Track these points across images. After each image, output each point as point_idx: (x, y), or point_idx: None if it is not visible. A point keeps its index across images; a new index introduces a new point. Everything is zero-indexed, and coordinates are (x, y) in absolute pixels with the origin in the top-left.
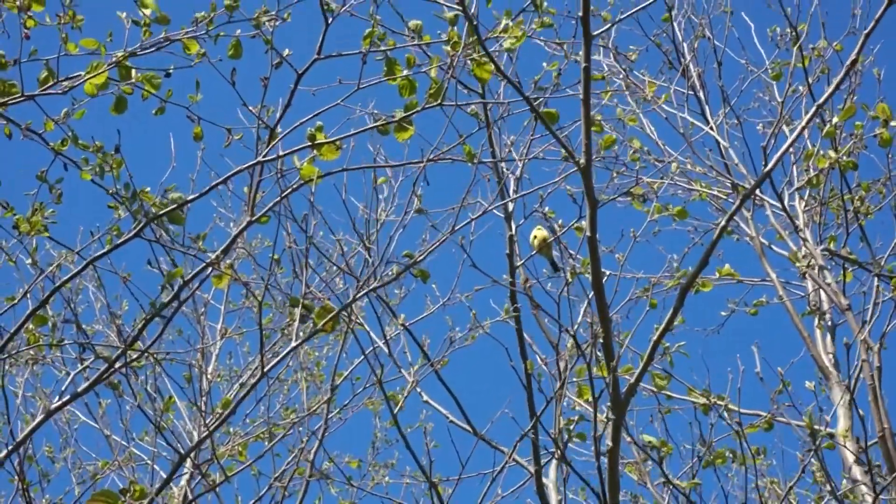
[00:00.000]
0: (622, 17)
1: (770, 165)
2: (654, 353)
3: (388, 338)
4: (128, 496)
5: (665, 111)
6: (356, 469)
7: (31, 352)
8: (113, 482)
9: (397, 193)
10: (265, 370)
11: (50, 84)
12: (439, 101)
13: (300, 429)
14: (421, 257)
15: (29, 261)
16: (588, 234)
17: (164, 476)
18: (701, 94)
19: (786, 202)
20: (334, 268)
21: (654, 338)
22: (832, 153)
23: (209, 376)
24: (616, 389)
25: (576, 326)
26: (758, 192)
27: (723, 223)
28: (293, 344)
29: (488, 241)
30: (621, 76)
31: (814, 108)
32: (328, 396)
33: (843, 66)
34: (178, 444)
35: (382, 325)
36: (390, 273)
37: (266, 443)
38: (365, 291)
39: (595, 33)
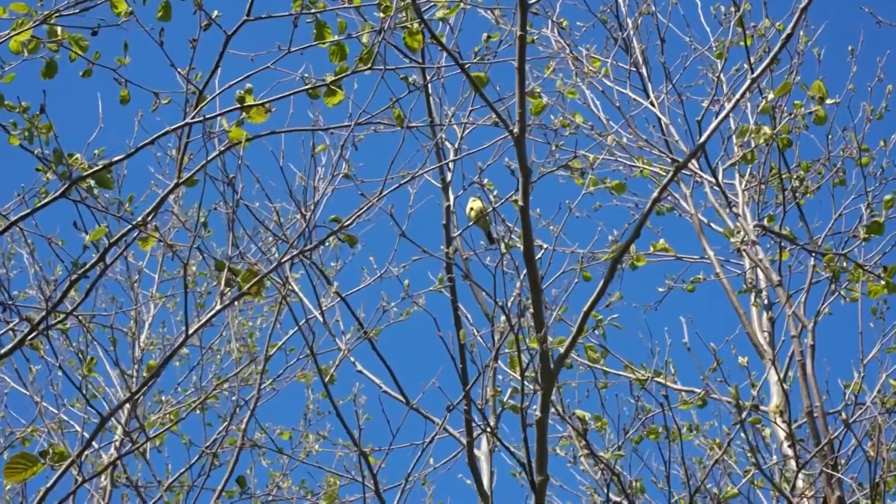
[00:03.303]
0: None
1: (703, 137)
2: (585, 323)
3: (322, 307)
4: (47, 458)
5: (607, 86)
6: (287, 441)
7: None
8: (41, 448)
9: (336, 163)
10: (189, 333)
11: None
12: (370, 66)
13: (233, 398)
14: (347, 221)
15: None
16: (521, 203)
17: (96, 444)
18: (643, 71)
19: (723, 178)
20: (271, 236)
21: (585, 308)
22: (767, 129)
23: (142, 344)
24: (546, 360)
25: (510, 299)
26: (696, 168)
27: (655, 194)
28: (217, 307)
29: (427, 211)
30: (566, 52)
31: (749, 80)
32: (262, 367)
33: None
34: (104, 409)
35: (318, 294)
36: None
37: (198, 411)
38: (294, 254)
39: (531, 1)
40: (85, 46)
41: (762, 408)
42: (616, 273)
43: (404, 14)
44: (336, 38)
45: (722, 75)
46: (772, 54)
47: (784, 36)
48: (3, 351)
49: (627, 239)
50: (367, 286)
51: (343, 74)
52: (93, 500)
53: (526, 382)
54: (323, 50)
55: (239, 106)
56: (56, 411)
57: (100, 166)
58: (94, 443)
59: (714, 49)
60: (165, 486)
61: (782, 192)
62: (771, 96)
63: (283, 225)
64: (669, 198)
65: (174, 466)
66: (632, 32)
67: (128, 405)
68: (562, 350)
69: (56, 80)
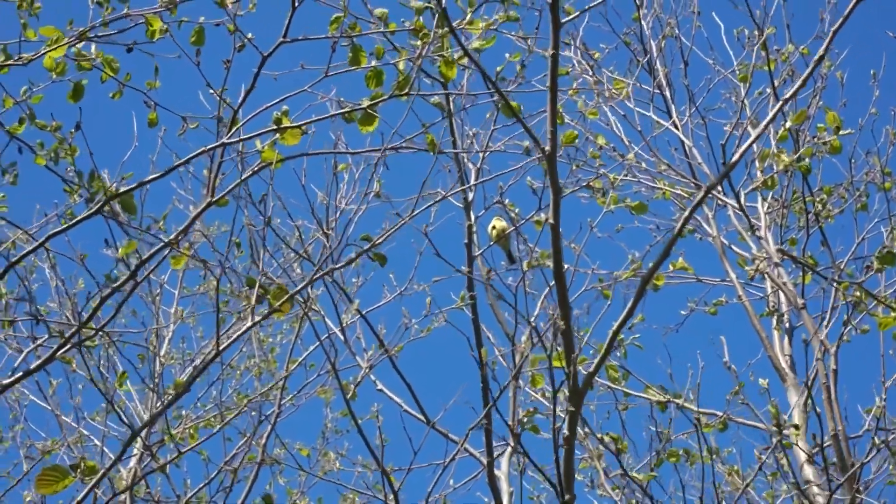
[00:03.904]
0: (592, 5)
1: (734, 159)
2: (613, 343)
3: (343, 324)
4: (78, 472)
5: (630, 109)
6: (306, 457)
7: None
8: (62, 461)
9: (358, 181)
10: (220, 350)
11: (8, 59)
12: (406, 92)
13: (252, 413)
14: (379, 240)
15: None
16: (551, 221)
17: (113, 456)
18: (667, 93)
19: (745, 202)
20: (292, 254)
21: (614, 327)
22: (784, 156)
23: (162, 359)
24: (575, 380)
25: (533, 317)
26: (719, 191)
27: (686, 215)
28: (248, 324)
29: (447, 231)
30: (588, 73)
31: (779, 104)
32: (282, 381)
33: (807, 66)
34: (130, 423)
35: (339, 311)
36: (351, 257)
37: (217, 427)
38: (321, 273)
39: (564, 21)
40: (116, 68)
41: (793, 424)
42: (644, 294)
43: (440, 42)
44: (373, 63)
45: (746, 99)
46: (802, 78)
47: (816, 58)
48: (35, 364)
49: (658, 259)
50: (388, 303)
51: (379, 100)
52: None
53: (547, 401)
54: (352, 74)
55: (275, 127)
56: (76, 425)
57: (134, 185)
58: (112, 458)
59: (737, 72)
60: (184, 502)
61: (805, 216)
62: (788, 124)
63: (304, 242)
64: (692, 220)
65: (193, 481)
66: (655, 55)
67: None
68: (589, 370)
69: (83, 101)
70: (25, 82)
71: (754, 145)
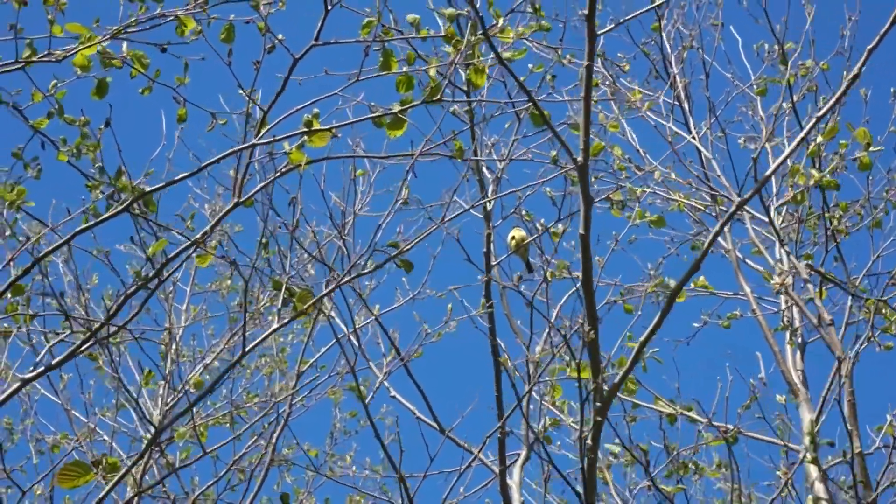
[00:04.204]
0: (627, 18)
1: (767, 173)
2: (640, 355)
3: (357, 328)
4: (99, 469)
5: (650, 120)
6: (314, 458)
7: (5, 324)
8: (71, 457)
9: (373, 186)
10: (245, 350)
11: (43, 54)
12: (439, 99)
13: (262, 414)
14: (408, 247)
15: (8, 233)
16: (581, 231)
17: (122, 452)
18: (685, 105)
19: (774, 217)
20: (305, 255)
21: (641, 340)
22: (815, 172)
23: (172, 356)
24: (601, 390)
25: (553, 327)
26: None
27: (716, 229)
28: (275, 325)
29: (463, 239)
30: (608, 83)
31: (814, 121)
32: (294, 381)
33: (829, 84)
34: (144, 421)
35: (352, 315)
36: (368, 264)
37: (228, 426)
38: (350, 279)
39: (599, 32)
40: (146, 64)
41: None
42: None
43: (470, 50)
44: (405, 69)
45: (762, 112)
46: (836, 96)
47: (851, 76)
48: (58, 359)
49: (687, 272)
50: (400, 307)
51: (410, 105)
52: None
53: (559, 412)
54: (379, 79)
55: (307, 130)
56: (85, 419)
57: (163, 184)
58: (122, 454)
59: (755, 86)
60: (192, 500)
61: (825, 232)
62: (819, 139)
63: (319, 245)
64: (705, 233)
65: (201, 479)
66: (674, 66)
67: (160, 418)
68: (615, 381)
69: (107, 98)
70: (44, 78)
71: (769, 159)
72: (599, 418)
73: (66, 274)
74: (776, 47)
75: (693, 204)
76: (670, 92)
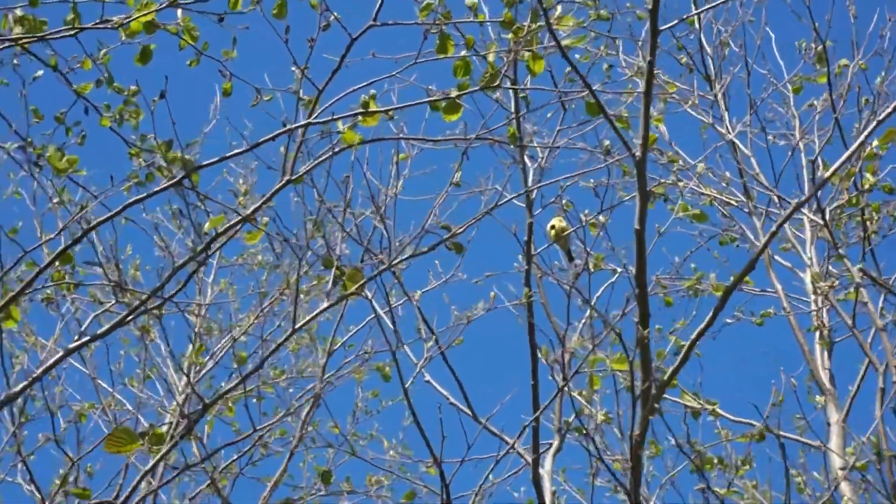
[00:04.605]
0: (692, 14)
1: (826, 176)
2: (690, 352)
3: (392, 310)
4: (146, 439)
5: (692, 115)
6: (336, 436)
7: (48, 291)
8: (97, 425)
9: (410, 168)
10: (296, 328)
11: (98, 21)
12: (497, 85)
13: (290, 390)
14: (460, 229)
15: (56, 200)
16: (637, 226)
17: (145, 422)
18: (722, 102)
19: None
20: (340, 235)
21: (692, 337)
22: (870, 176)
23: (197, 329)
24: (649, 387)
25: (604, 321)
26: (776, 199)
27: (773, 230)
28: (325, 304)
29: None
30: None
31: (874, 124)
32: (325, 360)
33: (868, 85)
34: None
35: (388, 297)
36: (407, 248)
37: (255, 400)
38: (402, 259)
39: (662, 28)
40: (196, 36)
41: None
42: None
43: (529, 37)
44: (463, 53)
45: (795, 110)
46: None
47: None
48: (104, 329)
49: (743, 270)
50: (433, 289)
51: (467, 91)
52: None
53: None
54: (430, 63)
55: (363, 111)
56: (110, 388)
57: (217, 159)
58: (144, 422)
59: (789, 85)
60: (221, 468)
61: (864, 234)
62: (875, 143)
63: (357, 225)
64: (737, 228)
65: (224, 453)
66: (710, 62)
67: (186, 390)
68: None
69: (151, 68)
70: (87, 46)
71: (802, 156)
72: (644, 416)
73: (99, 244)
74: (812, 45)
75: (724, 199)
76: (703, 87)
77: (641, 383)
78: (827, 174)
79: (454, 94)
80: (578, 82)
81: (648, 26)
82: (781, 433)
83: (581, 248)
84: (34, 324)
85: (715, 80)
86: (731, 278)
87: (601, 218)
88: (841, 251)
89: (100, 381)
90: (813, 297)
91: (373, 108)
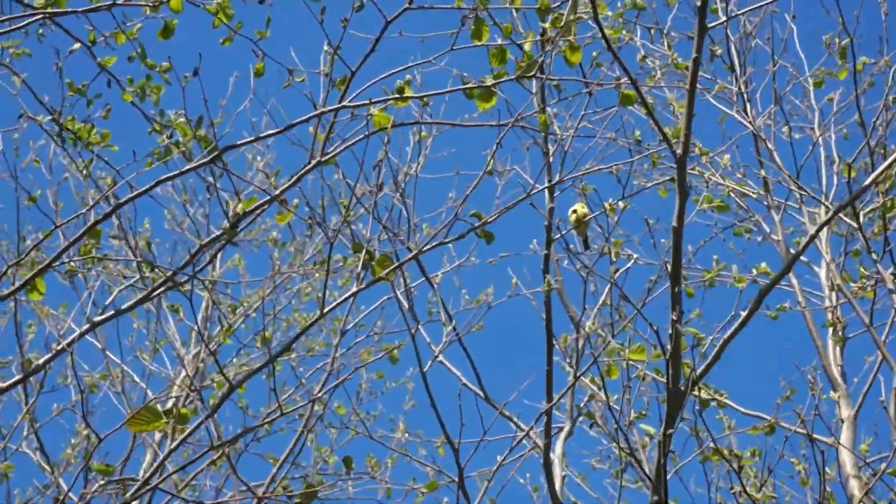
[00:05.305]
0: (741, 12)
1: (866, 183)
2: (723, 350)
3: (409, 290)
4: (171, 418)
5: (711, 105)
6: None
7: (74, 263)
8: (106, 395)
9: (430, 150)
10: (324, 312)
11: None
12: (532, 74)
13: (300, 368)
14: (492, 218)
15: (84, 173)
16: (675, 223)
17: (152, 394)
18: (745, 93)
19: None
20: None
21: (726, 336)
22: None
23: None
24: (676, 381)
25: (639, 313)
26: (798, 195)
27: (812, 233)
28: (353, 290)
29: (520, 209)
30: (664, 65)
31: None
32: (337, 340)
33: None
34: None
35: (406, 281)
36: (427, 233)
37: (265, 377)
38: (432, 246)
39: (710, 25)
40: (231, 15)
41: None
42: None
43: (567, 27)
44: (498, 40)
45: (815, 103)
46: None
47: None
48: (130, 302)
49: (779, 273)
50: (446, 273)
51: (502, 79)
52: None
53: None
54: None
55: (398, 96)
56: (119, 361)
57: (249, 139)
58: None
59: (810, 79)
60: (230, 441)
61: (884, 234)
62: None
63: (376, 209)
64: (752, 221)
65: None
66: (735, 54)
67: (195, 363)
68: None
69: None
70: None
71: (821, 152)
72: (671, 410)
73: (116, 219)
74: (836, 40)
75: (743, 191)
76: (725, 78)
77: (672, 381)
78: (868, 181)
79: (489, 82)
80: (604, 67)
81: (697, 23)
82: (793, 428)
83: (600, 232)
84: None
85: (739, 71)
86: (754, 271)
87: (621, 204)
88: (874, 256)
89: (109, 354)
90: (827, 292)
91: (408, 93)
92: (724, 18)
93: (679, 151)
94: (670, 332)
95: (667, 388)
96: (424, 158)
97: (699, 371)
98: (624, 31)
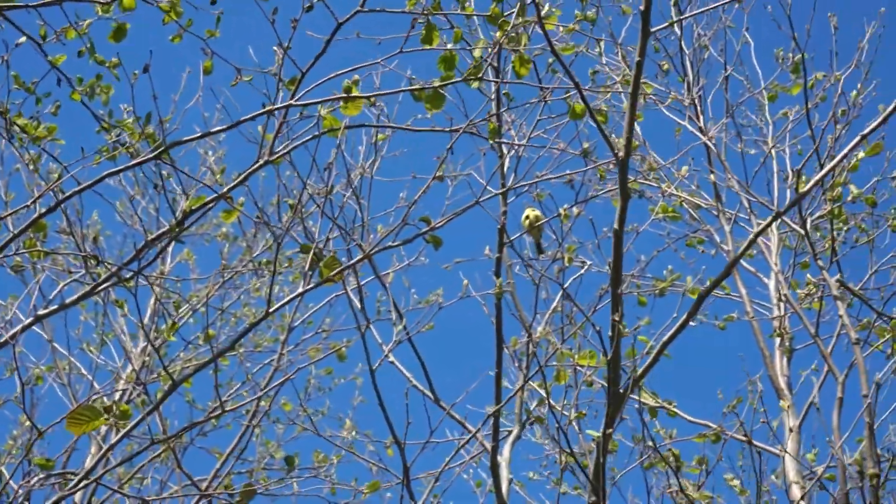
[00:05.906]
0: (685, 16)
1: (806, 188)
2: (662, 352)
3: (360, 288)
4: (111, 415)
5: (664, 116)
6: (286, 413)
7: (17, 258)
8: (52, 388)
9: (384, 151)
10: (269, 311)
11: None
12: (479, 78)
13: (247, 364)
14: (441, 223)
15: (32, 167)
16: (616, 226)
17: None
18: (698, 104)
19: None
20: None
21: (665, 339)
22: (854, 188)
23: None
24: (617, 383)
25: (587, 318)
26: (747, 205)
27: (750, 238)
28: (300, 290)
29: (472, 214)
30: (619, 76)
31: (858, 139)
32: (284, 337)
33: (845, 95)
34: (117, 360)
35: (359, 280)
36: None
37: (210, 372)
38: (379, 249)
39: (653, 29)
40: (180, 13)
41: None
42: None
43: (515, 35)
44: (448, 45)
45: (769, 116)
46: (883, 115)
47: None
48: (73, 298)
49: (719, 275)
50: (396, 270)
51: (449, 81)
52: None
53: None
54: (416, 54)
55: (345, 95)
56: (66, 353)
57: (197, 135)
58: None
59: (765, 92)
60: (174, 436)
61: (832, 244)
62: (861, 154)
63: (332, 209)
64: (704, 231)
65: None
66: (689, 65)
67: (142, 357)
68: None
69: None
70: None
71: (774, 164)
72: (611, 411)
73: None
74: (790, 55)
75: (695, 201)
76: (679, 89)
77: (612, 381)
78: (807, 187)
79: (437, 83)
80: (557, 74)
81: (640, 27)
82: (736, 436)
83: (554, 239)
84: None
85: (692, 83)
86: (708, 282)
87: (574, 210)
88: (819, 263)
89: (56, 345)
90: (776, 303)
91: (355, 93)
92: (668, 21)
93: (621, 154)
94: (611, 333)
95: (607, 389)
96: (379, 158)
97: (640, 371)
98: (578, 46)
